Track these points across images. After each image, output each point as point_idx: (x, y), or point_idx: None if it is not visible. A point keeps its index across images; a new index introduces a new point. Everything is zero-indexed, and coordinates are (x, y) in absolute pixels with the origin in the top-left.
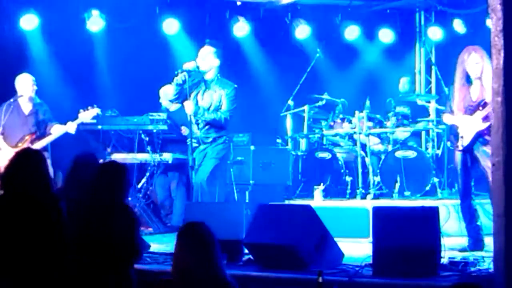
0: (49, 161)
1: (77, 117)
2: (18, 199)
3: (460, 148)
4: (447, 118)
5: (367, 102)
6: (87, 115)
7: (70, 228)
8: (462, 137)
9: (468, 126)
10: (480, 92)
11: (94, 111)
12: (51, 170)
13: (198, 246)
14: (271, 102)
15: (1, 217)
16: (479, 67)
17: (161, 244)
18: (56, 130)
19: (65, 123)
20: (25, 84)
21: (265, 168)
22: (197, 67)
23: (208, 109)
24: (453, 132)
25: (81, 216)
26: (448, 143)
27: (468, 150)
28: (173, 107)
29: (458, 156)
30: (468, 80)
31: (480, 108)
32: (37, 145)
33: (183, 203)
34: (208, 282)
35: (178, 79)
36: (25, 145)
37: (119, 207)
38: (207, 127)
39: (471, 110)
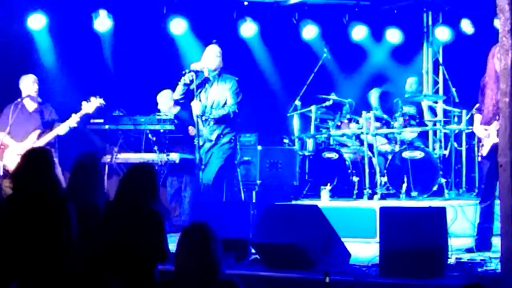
0: (56, 160)
1: (80, 109)
2: (28, 198)
3: (479, 159)
4: (475, 120)
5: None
6: (90, 106)
7: (77, 229)
8: (483, 145)
9: (487, 136)
10: None
11: (97, 101)
12: (59, 170)
13: (202, 246)
14: (278, 102)
15: (12, 216)
16: None
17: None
18: (62, 127)
19: None
20: (27, 84)
21: (272, 168)
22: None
23: (212, 106)
24: (479, 138)
25: (110, 220)
26: (455, 145)
27: (489, 158)
28: (173, 110)
29: (485, 159)
30: (498, 77)
31: (497, 117)
32: (43, 140)
33: (191, 202)
34: (210, 282)
35: (186, 78)
36: (30, 138)
37: (147, 211)
38: (213, 123)
39: (492, 114)
